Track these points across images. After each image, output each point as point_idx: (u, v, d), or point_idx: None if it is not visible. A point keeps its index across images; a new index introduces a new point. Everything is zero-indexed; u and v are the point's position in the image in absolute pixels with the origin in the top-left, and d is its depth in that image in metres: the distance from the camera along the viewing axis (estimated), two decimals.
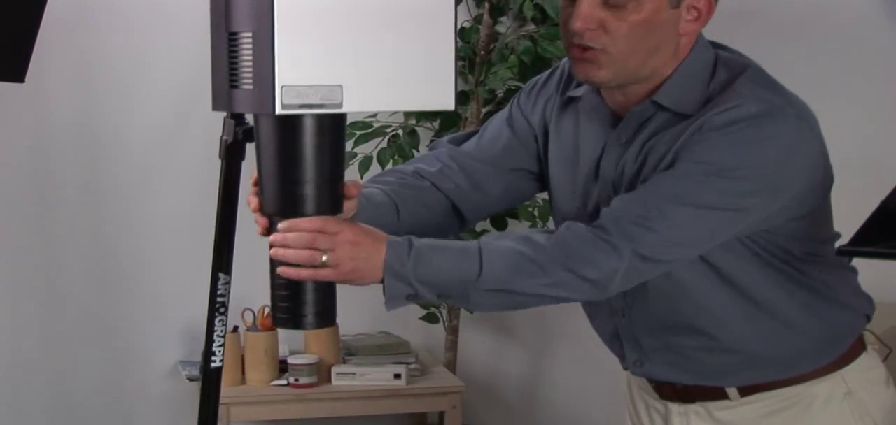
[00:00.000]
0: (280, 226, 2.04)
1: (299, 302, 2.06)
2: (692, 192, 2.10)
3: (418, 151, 4.17)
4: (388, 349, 4.28)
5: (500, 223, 4.40)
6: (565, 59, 2.36)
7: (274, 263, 2.06)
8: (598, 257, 2.09)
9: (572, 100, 2.33)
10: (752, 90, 2.15)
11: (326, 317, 2.08)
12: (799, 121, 2.15)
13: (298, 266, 2.04)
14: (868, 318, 2.38)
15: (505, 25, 4.40)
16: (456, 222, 2.43)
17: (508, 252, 2.11)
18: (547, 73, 2.43)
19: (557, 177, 2.36)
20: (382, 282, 2.09)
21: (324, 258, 2.03)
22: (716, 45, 2.25)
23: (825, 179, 2.25)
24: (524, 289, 2.11)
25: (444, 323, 4.42)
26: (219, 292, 2.09)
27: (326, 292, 2.08)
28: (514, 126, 2.41)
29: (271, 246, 2.06)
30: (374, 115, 4.26)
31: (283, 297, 2.07)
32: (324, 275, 2.05)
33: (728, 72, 2.20)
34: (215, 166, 2.08)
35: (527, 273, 2.10)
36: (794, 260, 2.25)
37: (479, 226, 4.38)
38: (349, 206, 2.14)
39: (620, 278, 2.12)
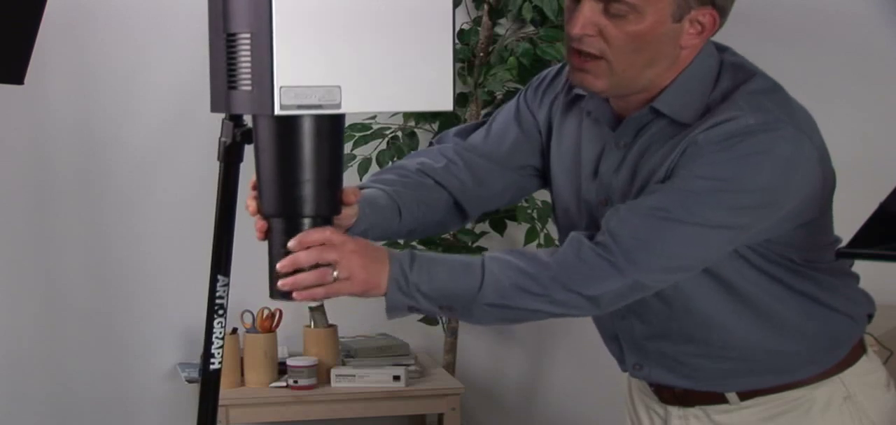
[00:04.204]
0: (291, 244, 2.03)
1: (297, 273, 2.05)
2: (692, 210, 2.09)
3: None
4: (387, 351, 4.28)
5: (499, 225, 4.40)
6: None
7: (272, 234, 2.06)
8: (599, 276, 2.10)
9: (578, 98, 2.32)
10: (752, 101, 2.13)
11: None
12: (798, 133, 2.13)
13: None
14: (870, 318, 2.37)
15: (504, 27, 4.40)
16: (457, 218, 2.42)
17: (510, 267, 2.11)
18: (555, 69, 2.42)
19: (559, 175, 2.36)
20: (385, 294, 2.09)
21: (335, 274, 2.03)
22: (722, 49, 2.24)
23: (825, 188, 2.23)
24: (525, 304, 2.12)
25: (443, 325, 4.42)
26: (218, 294, 2.08)
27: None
28: (521, 122, 2.40)
29: (276, 261, 2.05)
30: (373, 117, 4.26)
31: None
32: (339, 289, 2.06)
33: (731, 81, 2.18)
34: (214, 168, 2.08)
35: (528, 290, 2.11)
36: (795, 266, 2.24)
37: (477, 228, 4.39)
38: (349, 213, 2.13)
39: (619, 297, 2.13)
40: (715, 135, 2.10)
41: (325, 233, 2.04)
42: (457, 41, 4.25)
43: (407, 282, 2.09)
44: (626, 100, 2.22)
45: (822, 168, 2.19)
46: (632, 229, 2.10)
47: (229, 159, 2.06)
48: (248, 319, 4.19)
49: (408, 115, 4.32)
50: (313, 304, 4.14)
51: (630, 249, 2.09)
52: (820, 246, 2.27)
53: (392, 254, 2.10)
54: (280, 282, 2.04)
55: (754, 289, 2.23)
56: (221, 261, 2.09)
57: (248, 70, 1.94)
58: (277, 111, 1.91)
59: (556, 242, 4.03)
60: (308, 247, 2.03)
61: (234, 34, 1.96)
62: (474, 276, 2.10)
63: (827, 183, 2.23)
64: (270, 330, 4.18)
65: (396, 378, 4.13)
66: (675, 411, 2.37)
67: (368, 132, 4.24)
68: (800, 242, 2.23)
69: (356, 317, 4.25)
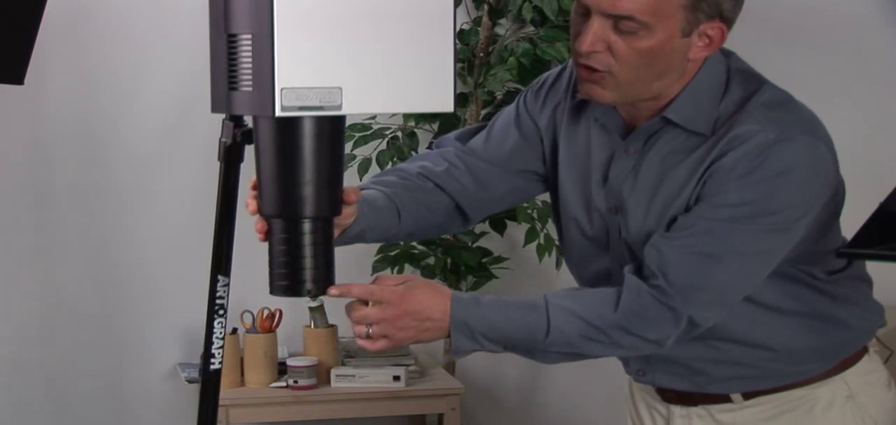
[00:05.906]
0: (354, 317, 2.12)
1: (298, 269, 2.06)
2: (731, 241, 2.11)
3: (417, 154, 4.17)
4: (387, 351, 4.26)
5: (499, 225, 4.39)
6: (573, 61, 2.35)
7: (272, 231, 2.07)
8: (659, 320, 2.14)
9: (583, 104, 2.31)
10: (766, 114, 2.14)
11: (325, 284, 2.08)
12: (814, 141, 2.14)
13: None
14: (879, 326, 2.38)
15: (504, 27, 4.40)
16: (459, 221, 2.42)
17: (575, 317, 2.16)
18: (555, 72, 2.41)
19: (567, 180, 2.35)
20: (448, 335, 2.15)
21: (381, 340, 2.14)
22: (727, 54, 2.24)
23: (839, 191, 2.24)
24: (591, 351, 2.19)
25: None
26: (218, 294, 2.09)
27: (325, 260, 2.08)
28: (522, 127, 2.40)
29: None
30: (373, 118, 4.26)
31: (281, 264, 2.07)
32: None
33: (741, 90, 2.19)
34: (214, 168, 2.08)
35: (594, 340, 2.17)
36: (815, 281, 2.26)
37: (478, 228, 4.39)
38: (348, 212, 2.13)
39: (680, 336, 2.16)
40: (737, 158, 2.11)
41: (382, 312, 2.11)
42: (457, 41, 4.24)
43: (472, 331, 2.14)
44: (636, 107, 2.22)
45: (836, 172, 2.21)
46: (680, 270, 2.12)
47: (229, 159, 2.07)
48: (248, 319, 4.18)
49: (408, 116, 4.32)
50: (313, 304, 4.14)
51: (683, 290, 2.12)
52: (831, 251, 2.27)
53: (455, 298, 2.14)
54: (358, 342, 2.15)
55: (768, 297, 2.23)
56: (221, 261, 2.09)
57: (249, 71, 1.94)
58: (278, 113, 1.91)
59: (556, 243, 4.03)
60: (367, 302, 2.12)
61: (235, 35, 1.96)
62: (540, 325, 2.16)
63: (839, 187, 2.24)
64: (270, 330, 4.18)
65: (396, 378, 4.13)
66: (677, 410, 2.37)
67: (368, 132, 4.24)
68: (817, 251, 2.23)
69: None
